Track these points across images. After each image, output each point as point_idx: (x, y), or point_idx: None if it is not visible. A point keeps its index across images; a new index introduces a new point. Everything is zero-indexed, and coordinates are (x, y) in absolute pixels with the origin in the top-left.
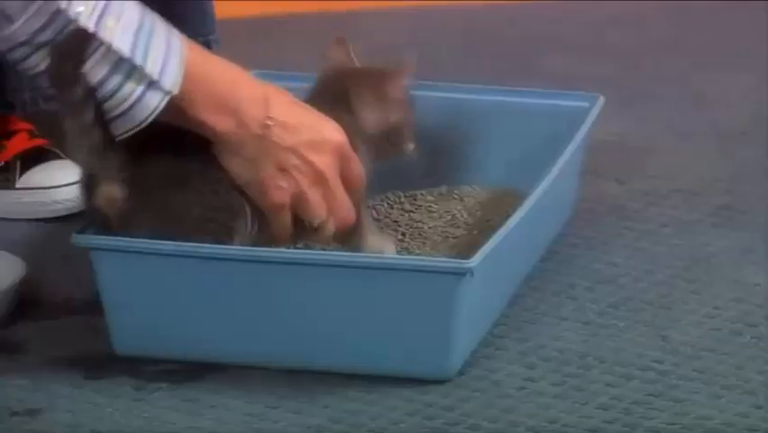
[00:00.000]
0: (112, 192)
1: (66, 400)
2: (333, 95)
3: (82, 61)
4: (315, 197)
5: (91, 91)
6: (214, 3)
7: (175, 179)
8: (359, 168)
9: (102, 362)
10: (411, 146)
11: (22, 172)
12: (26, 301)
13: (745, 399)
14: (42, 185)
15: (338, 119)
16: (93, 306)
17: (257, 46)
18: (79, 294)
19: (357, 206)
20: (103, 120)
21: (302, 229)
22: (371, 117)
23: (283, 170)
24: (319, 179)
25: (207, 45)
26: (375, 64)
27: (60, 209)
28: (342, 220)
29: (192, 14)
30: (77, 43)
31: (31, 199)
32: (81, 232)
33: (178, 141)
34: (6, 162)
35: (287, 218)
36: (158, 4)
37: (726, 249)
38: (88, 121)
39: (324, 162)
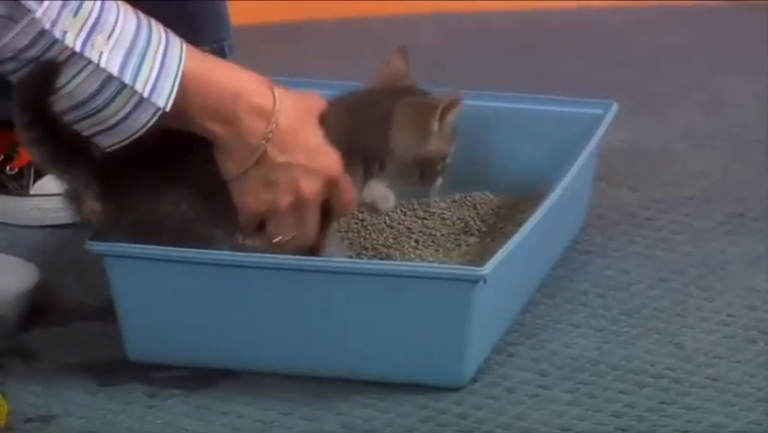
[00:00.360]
0: (91, 204)
1: (79, 406)
2: (377, 110)
3: (48, 92)
4: (286, 218)
5: (45, 119)
6: (229, 7)
7: (150, 191)
8: (350, 196)
9: (115, 368)
10: (438, 183)
11: (35, 179)
12: (39, 308)
13: (759, 406)
14: (56, 192)
15: (376, 136)
16: (106, 312)
17: (273, 52)
18: (92, 300)
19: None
20: (57, 136)
21: (263, 233)
22: (407, 145)
23: (268, 184)
24: (298, 202)
25: (221, 51)
26: (427, 91)
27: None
28: (302, 243)
29: (206, 20)
30: (45, 74)
31: (44, 206)
32: (94, 238)
33: (159, 150)
34: (20, 169)
35: (253, 222)
36: (170, 11)
37: (740, 256)
38: (36, 137)
39: (310, 189)
